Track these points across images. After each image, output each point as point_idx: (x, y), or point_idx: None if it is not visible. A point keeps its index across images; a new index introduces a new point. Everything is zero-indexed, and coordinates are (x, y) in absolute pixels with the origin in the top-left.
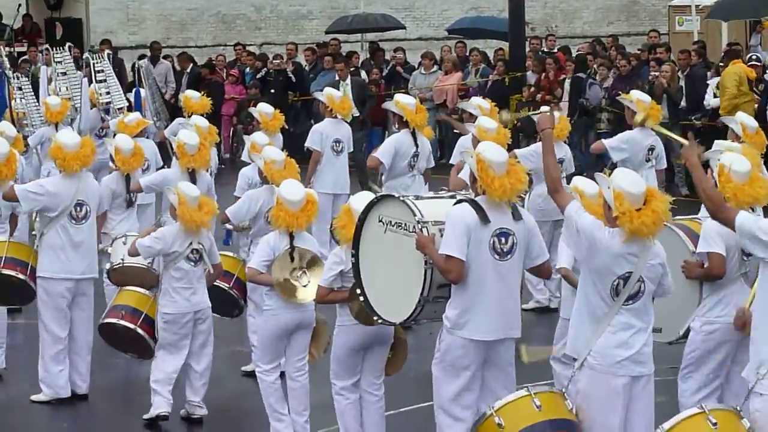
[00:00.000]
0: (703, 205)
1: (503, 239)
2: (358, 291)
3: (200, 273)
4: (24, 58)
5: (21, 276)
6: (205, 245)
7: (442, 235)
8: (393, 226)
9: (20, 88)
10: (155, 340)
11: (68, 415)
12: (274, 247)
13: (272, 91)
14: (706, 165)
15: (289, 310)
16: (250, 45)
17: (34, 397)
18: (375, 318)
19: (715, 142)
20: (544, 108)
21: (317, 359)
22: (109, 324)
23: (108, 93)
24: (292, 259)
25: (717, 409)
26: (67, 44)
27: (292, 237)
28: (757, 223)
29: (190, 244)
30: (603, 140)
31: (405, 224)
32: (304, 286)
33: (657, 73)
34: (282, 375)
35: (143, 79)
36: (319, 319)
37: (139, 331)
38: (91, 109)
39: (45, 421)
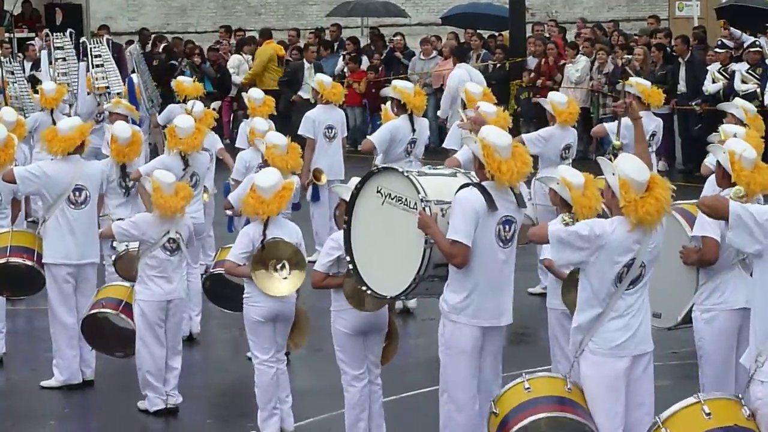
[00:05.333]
0: (704, 189)
1: (507, 227)
2: (348, 259)
3: (177, 263)
4: (31, 43)
5: (28, 263)
6: (183, 234)
7: (443, 215)
8: (392, 199)
9: (12, 73)
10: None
11: (69, 400)
12: (254, 238)
13: None
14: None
15: (268, 299)
16: (251, 30)
17: (44, 383)
18: (364, 289)
19: (721, 126)
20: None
21: (296, 349)
22: (92, 317)
23: (105, 78)
24: (263, 248)
25: (714, 398)
26: (69, 30)
27: (265, 225)
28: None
29: (167, 233)
30: (605, 124)
31: (405, 200)
32: (284, 278)
33: (630, 57)
34: None
35: (135, 65)
36: (299, 309)
37: (122, 315)
38: (88, 94)
39: (46, 406)
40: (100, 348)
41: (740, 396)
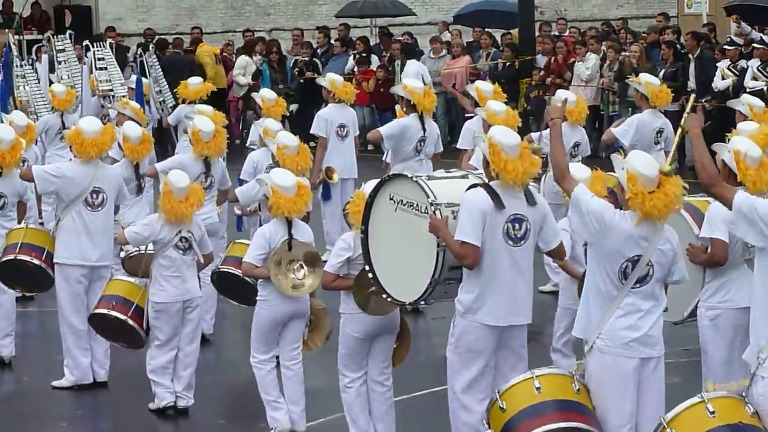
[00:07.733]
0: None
1: (517, 225)
2: (367, 268)
3: (190, 261)
4: (40, 45)
5: (36, 261)
6: (195, 234)
7: (455, 218)
8: (404, 205)
9: (24, 76)
10: (145, 330)
11: (82, 402)
12: (270, 239)
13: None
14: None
15: (284, 300)
16: (260, 31)
17: (55, 383)
18: (384, 296)
19: (739, 125)
20: (558, 97)
21: (313, 350)
22: (99, 315)
23: (108, 81)
24: (290, 248)
25: (717, 397)
26: (68, 32)
27: (290, 225)
28: (755, 204)
29: (179, 232)
30: (611, 129)
31: (417, 204)
32: (301, 279)
33: (628, 54)
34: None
35: (146, 67)
36: (318, 307)
37: (130, 322)
38: (93, 96)
39: (57, 407)
40: (106, 336)
41: (744, 394)
